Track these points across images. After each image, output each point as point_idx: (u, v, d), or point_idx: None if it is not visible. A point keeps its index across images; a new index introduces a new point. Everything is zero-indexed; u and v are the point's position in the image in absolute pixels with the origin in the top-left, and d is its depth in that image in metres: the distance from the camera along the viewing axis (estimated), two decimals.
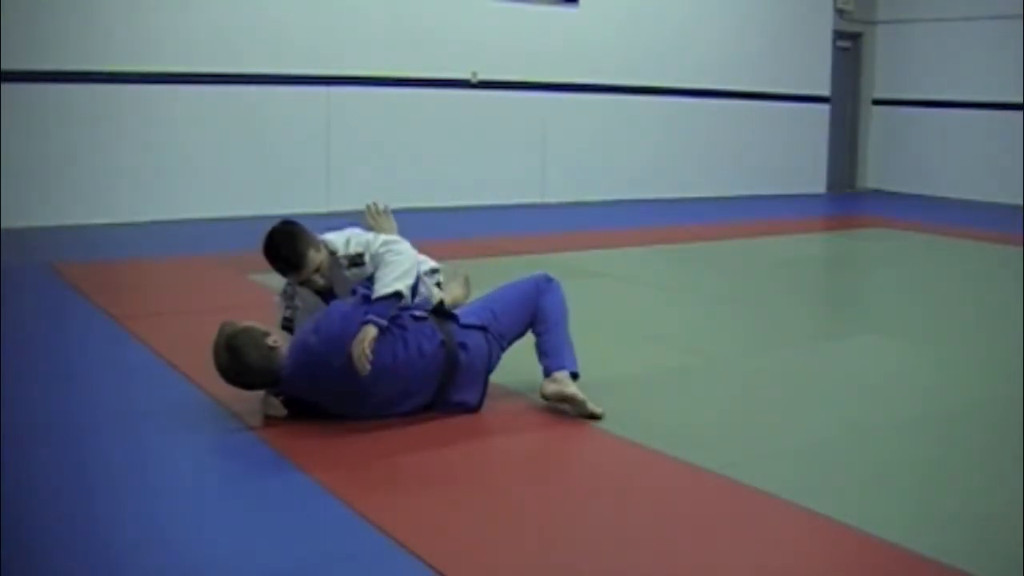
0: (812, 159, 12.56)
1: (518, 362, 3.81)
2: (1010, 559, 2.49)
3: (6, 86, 7.35)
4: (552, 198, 10.27)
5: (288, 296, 3.66)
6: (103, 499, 2.77)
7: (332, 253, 3.52)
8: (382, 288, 3.21)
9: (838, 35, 12.73)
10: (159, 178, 8.12)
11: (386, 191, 8.59)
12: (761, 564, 2.48)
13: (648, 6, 10.77)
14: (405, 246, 3.38)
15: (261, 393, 3.34)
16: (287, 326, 3.59)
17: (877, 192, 13.06)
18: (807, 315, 5.81)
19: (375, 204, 3.72)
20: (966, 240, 8.54)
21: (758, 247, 7.98)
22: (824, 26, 12.47)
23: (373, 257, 3.35)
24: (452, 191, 9.52)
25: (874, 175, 13.35)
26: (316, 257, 3.47)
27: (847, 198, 12.48)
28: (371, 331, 3.14)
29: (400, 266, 3.26)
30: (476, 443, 3.14)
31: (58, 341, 4.49)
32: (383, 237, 3.44)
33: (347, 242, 3.52)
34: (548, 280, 3.69)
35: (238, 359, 3.18)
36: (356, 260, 3.45)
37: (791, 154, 12.22)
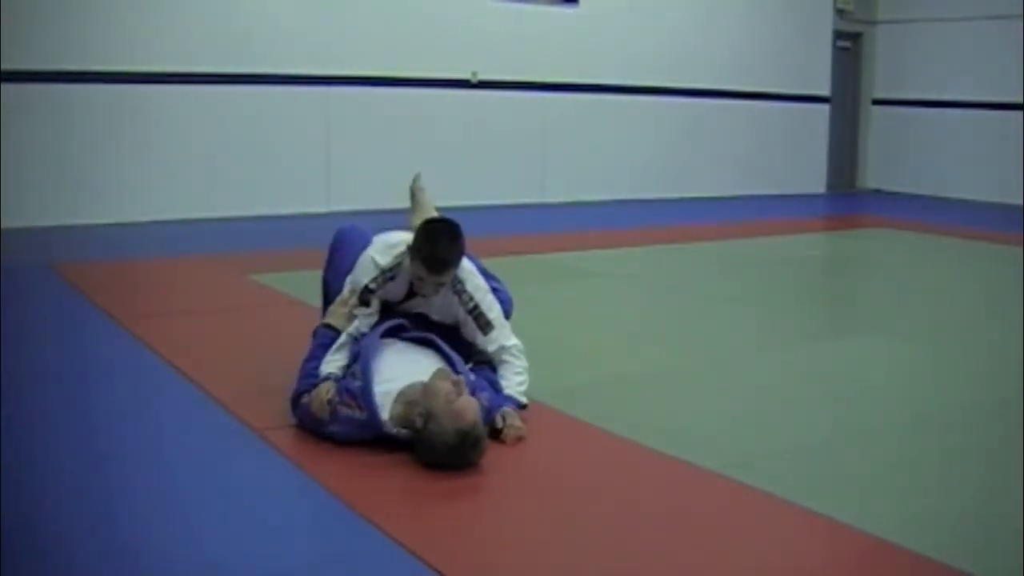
0: (812, 159, 12.56)
1: None
2: (1010, 559, 2.49)
3: (6, 86, 7.35)
4: (552, 198, 10.26)
5: (387, 275, 3.42)
6: (102, 500, 2.77)
7: (457, 281, 3.41)
8: (517, 393, 3.40)
9: (838, 35, 12.73)
10: (159, 178, 8.11)
11: (386, 191, 8.61)
12: (761, 564, 2.48)
13: (648, 6, 10.77)
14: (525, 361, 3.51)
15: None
16: (366, 299, 3.41)
17: (877, 192, 13.06)
18: (807, 315, 5.81)
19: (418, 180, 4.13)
20: (966, 240, 8.53)
21: (758, 247, 7.98)
22: (824, 26, 12.47)
23: (503, 350, 3.43)
24: (452, 191, 9.49)
25: (874, 175, 13.34)
26: (452, 273, 3.36)
27: (847, 198, 12.48)
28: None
29: (526, 381, 3.46)
30: None
31: (58, 342, 4.49)
32: (514, 340, 3.48)
33: (478, 288, 3.45)
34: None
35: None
36: (475, 312, 3.43)
37: (791, 154, 12.22)
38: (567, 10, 10.19)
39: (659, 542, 2.58)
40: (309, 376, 3.28)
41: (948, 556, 2.46)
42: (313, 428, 3.17)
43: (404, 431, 3.02)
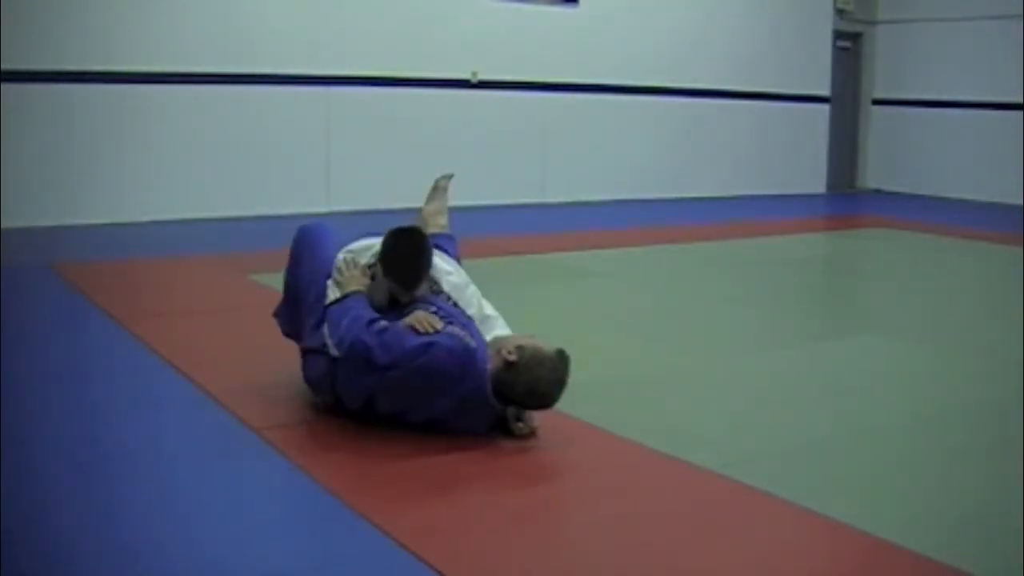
0: (812, 159, 12.55)
1: None
2: (1010, 559, 2.49)
3: (6, 86, 7.35)
4: (552, 198, 10.26)
5: (369, 272, 3.45)
6: (102, 500, 2.77)
7: (432, 282, 3.40)
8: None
9: (838, 35, 12.73)
10: (159, 178, 8.11)
11: (386, 191, 8.64)
12: (761, 564, 2.48)
13: (648, 6, 10.77)
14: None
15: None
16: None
17: (877, 192, 13.06)
18: (807, 315, 5.81)
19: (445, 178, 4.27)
20: (966, 240, 8.54)
21: (758, 247, 7.98)
22: (824, 26, 12.47)
23: (484, 319, 3.46)
24: (452, 191, 9.50)
25: (874, 175, 13.34)
26: (424, 287, 3.38)
27: (847, 198, 12.48)
28: None
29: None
30: (475, 444, 3.14)
31: (58, 342, 4.49)
32: (495, 334, 3.43)
33: (455, 287, 3.44)
34: None
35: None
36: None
37: (791, 154, 12.22)
38: (567, 10, 10.19)
39: (659, 542, 2.58)
40: (365, 316, 3.17)
41: (948, 556, 2.47)
42: (396, 352, 3.05)
43: (499, 406, 3.15)
